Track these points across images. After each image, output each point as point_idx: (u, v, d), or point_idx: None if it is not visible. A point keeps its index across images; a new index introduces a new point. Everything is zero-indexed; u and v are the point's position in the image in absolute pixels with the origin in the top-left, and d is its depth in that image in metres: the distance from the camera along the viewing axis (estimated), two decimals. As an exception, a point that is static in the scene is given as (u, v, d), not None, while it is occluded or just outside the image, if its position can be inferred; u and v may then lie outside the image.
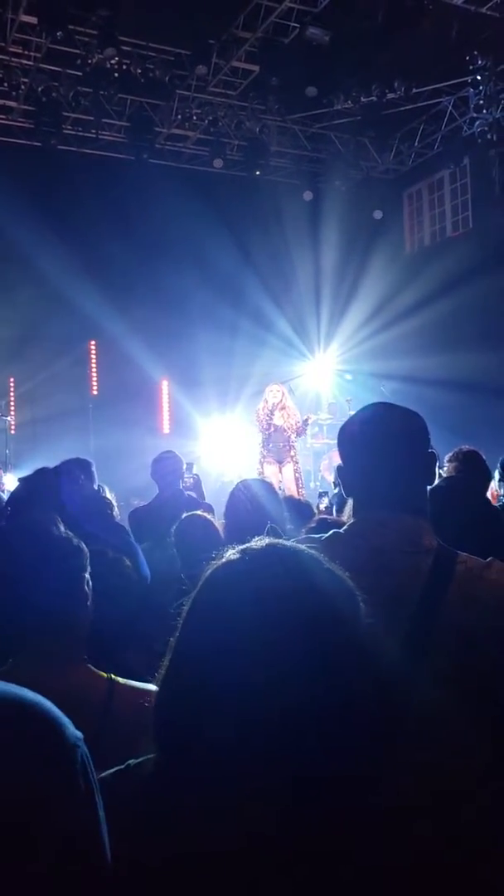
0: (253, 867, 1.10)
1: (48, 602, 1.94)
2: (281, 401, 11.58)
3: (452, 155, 15.16)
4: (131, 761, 1.29)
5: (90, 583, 2.09)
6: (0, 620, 1.97)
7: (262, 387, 12.49)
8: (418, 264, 15.88)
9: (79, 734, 1.01)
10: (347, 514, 2.05)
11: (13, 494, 2.99)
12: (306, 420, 11.97)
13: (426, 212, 17.21)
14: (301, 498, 9.31)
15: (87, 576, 2.08)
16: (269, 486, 4.62)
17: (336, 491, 7.03)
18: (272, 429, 11.48)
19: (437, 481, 2.09)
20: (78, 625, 2.04)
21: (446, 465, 4.92)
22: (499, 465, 6.00)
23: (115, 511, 4.71)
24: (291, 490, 10.94)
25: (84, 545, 2.10)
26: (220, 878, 1.11)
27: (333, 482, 8.91)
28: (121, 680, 2.00)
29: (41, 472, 2.98)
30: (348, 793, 1.14)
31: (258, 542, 1.28)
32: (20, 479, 2.96)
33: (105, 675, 2.02)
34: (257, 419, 11.72)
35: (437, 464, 2.05)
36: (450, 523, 2.46)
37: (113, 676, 2.01)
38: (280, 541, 1.30)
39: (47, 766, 0.94)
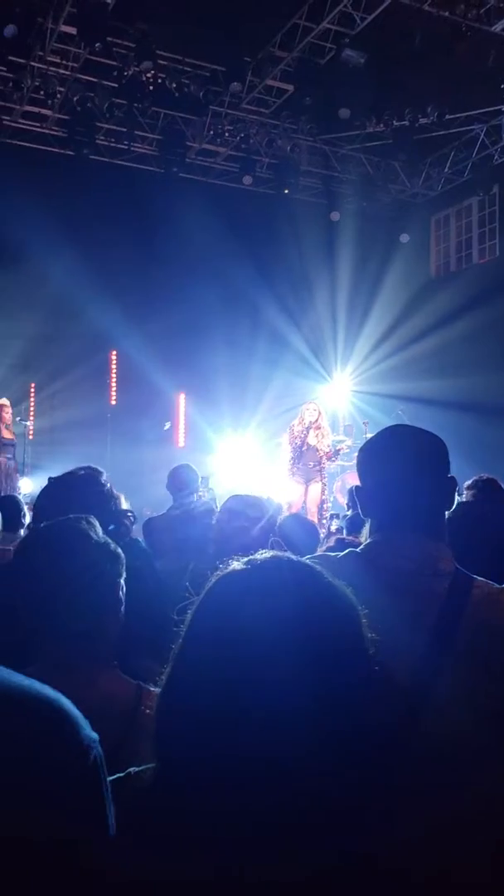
0: (247, 891, 1.07)
1: (82, 607, 1.93)
2: (317, 420, 11.48)
3: (482, 182, 15.21)
4: (132, 769, 1.27)
5: (124, 588, 2.08)
6: (33, 622, 1.96)
7: (278, 406, 12.37)
8: (443, 289, 15.87)
9: (94, 735, 1.01)
10: (364, 535, 2.04)
11: (40, 497, 2.98)
12: (339, 450, 11.84)
13: (453, 237, 17.23)
14: (324, 519, 9.27)
15: (122, 582, 2.08)
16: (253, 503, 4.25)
17: (349, 513, 6.97)
18: (305, 447, 11.32)
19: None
20: (109, 630, 2.03)
21: (465, 491, 4.89)
22: None
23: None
24: (312, 511, 10.88)
25: (121, 551, 2.09)
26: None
27: (347, 504, 8.84)
28: (150, 686, 1.99)
29: (71, 476, 2.97)
30: (355, 811, 1.12)
31: (262, 555, 1.28)
32: (49, 479, 2.94)
33: (134, 681, 2.01)
34: (291, 435, 11.56)
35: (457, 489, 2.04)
36: (480, 549, 2.44)
37: (142, 683, 2.00)
38: (284, 554, 1.31)
39: (58, 761, 0.94)
